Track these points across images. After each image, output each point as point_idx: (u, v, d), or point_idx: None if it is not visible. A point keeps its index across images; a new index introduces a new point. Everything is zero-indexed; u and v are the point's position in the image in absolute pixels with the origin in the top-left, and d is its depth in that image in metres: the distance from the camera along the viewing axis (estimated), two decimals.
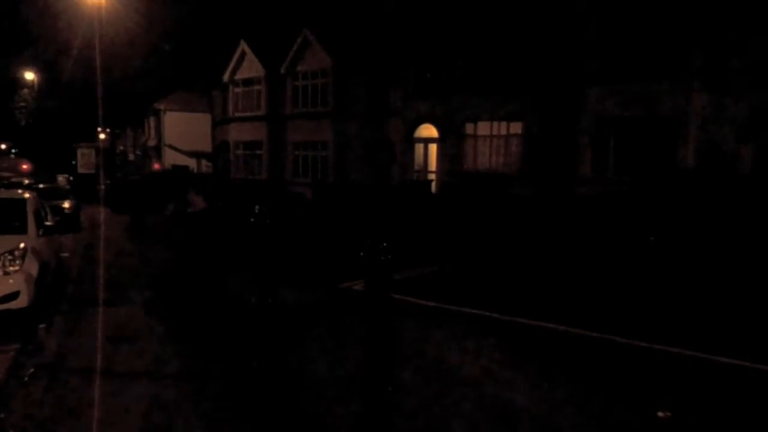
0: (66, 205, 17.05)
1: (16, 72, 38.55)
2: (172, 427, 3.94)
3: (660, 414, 4.11)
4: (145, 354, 5.39)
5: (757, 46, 12.27)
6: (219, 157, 29.28)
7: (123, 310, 6.98)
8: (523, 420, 4.04)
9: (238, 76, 26.24)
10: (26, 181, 25.21)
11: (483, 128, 17.81)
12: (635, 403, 4.35)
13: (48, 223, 7.76)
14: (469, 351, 5.50)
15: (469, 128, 18.11)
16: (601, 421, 4.06)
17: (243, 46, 25.40)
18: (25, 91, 42.36)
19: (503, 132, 17.37)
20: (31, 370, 4.91)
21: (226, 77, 26.71)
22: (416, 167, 20.13)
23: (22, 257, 6.24)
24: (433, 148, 19.56)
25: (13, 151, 48.49)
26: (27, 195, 7.95)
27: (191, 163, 33.59)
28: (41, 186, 20.40)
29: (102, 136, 38.21)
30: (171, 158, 35.04)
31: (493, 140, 17.66)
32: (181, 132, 35.60)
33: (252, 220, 5.45)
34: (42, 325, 6.23)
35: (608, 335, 5.90)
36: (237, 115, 26.54)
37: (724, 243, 9.67)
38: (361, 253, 3.35)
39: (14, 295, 6.03)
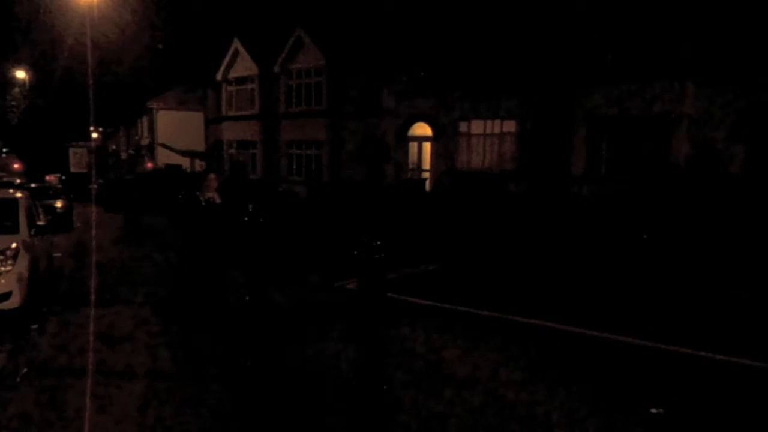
0: (58, 204, 16.96)
1: (7, 70, 38.25)
2: (166, 426, 3.93)
3: (653, 410, 4.14)
4: (137, 353, 5.37)
5: (749, 46, 12.35)
6: (213, 156, 29.18)
7: (116, 310, 6.95)
8: (516, 416, 4.06)
9: (232, 75, 26.15)
10: (18, 181, 25.03)
11: (477, 126, 17.85)
12: (628, 399, 4.37)
13: (40, 223, 7.71)
14: (464, 349, 5.51)
15: (462, 127, 18.14)
16: (595, 416, 4.08)
17: (236, 44, 25.32)
18: (17, 89, 42.02)
19: (497, 130, 17.41)
20: (24, 370, 4.89)
21: (219, 76, 26.62)
22: (410, 166, 20.14)
23: (14, 257, 6.20)
24: (427, 146, 19.58)
25: (5, 150, 48.14)
26: (19, 194, 7.90)
27: (185, 162, 33.45)
28: (33, 185, 20.27)
29: (94, 135, 38.02)
30: (164, 157, 34.88)
31: (487, 139, 17.70)
32: (175, 131, 35.45)
33: (246, 219, 5.44)
34: (34, 326, 6.20)
35: (602, 332, 5.93)
36: (230, 113, 26.45)
37: (715, 241, 9.74)
38: (355, 252, 3.35)
39: (6, 296, 6.00)
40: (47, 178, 31.37)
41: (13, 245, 6.33)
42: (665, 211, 11.26)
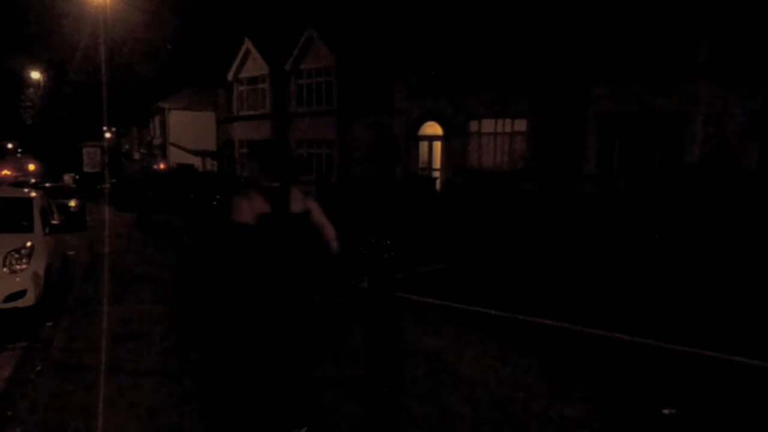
0: (72, 203, 17.17)
1: (22, 71, 38.75)
2: (180, 424, 3.96)
3: (665, 411, 4.11)
4: (151, 351, 5.41)
5: (762, 41, 12.19)
6: (224, 156, 29.35)
7: (129, 308, 7.02)
8: (527, 417, 4.04)
9: (243, 75, 26.27)
10: (32, 180, 25.35)
11: (487, 125, 17.79)
12: (641, 400, 4.34)
13: (54, 222, 7.80)
14: (474, 349, 5.50)
15: (473, 126, 18.09)
16: (607, 417, 4.06)
17: (247, 44, 25.44)
18: (31, 90, 42.57)
19: (507, 129, 17.34)
20: (38, 368, 4.95)
21: (230, 76, 26.76)
22: (421, 165, 20.12)
23: (29, 256, 6.28)
24: (437, 145, 19.54)
25: (19, 150, 48.73)
26: (33, 194, 8.00)
27: (196, 161, 33.69)
28: (47, 185, 20.54)
29: (107, 135, 38.35)
30: (176, 157, 35.16)
31: (498, 138, 17.64)
32: (186, 130, 35.71)
33: None
34: (49, 323, 6.27)
35: (613, 333, 5.89)
36: (241, 113, 26.59)
37: (729, 241, 9.63)
38: (365, 251, 3.36)
39: (21, 294, 6.07)
40: (64, 177, 31.73)
41: (28, 244, 6.41)
42: (678, 210, 11.15)
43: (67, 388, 4.51)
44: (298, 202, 3.12)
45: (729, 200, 10.87)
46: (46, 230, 7.17)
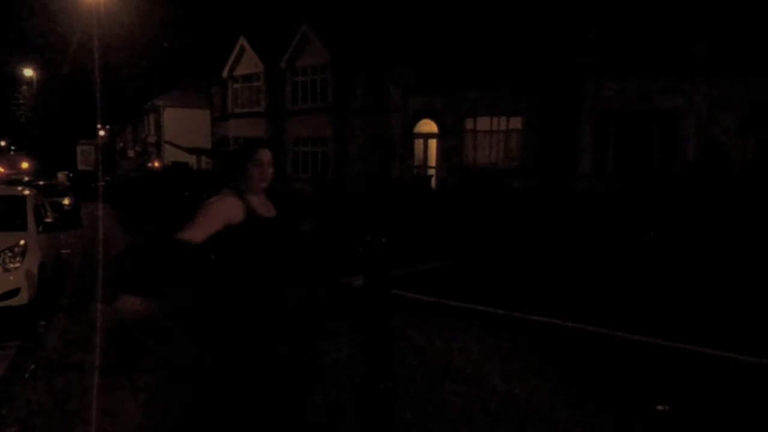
0: (66, 201, 17.09)
1: (15, 69, 38.50)
2: (173, 424, 3.95)
3: (659, 407, 4.12)
4: (146, 350, 5.39)
5: (758, 39, 12.23)
6: (219, 154, 29.27)
7: (123, 307, 6.97)
8: (523, 414, 4.05)
9: (238, 72, 26.19)
10: (26, 178, 25.25)
11: (483, 123, 17.81)
12: (635, 396, 4.35)
13: (48, 220, 7.75)
14: (471, 346, 5.50)
15: (468, 123, 18.10)
16: (601, 414, 4.07)
17: (242, 41, 25.36)
18: (25, 87, 42.32)
19: (503, 127, 17.36)
20: (32, 367, 4.92)
21: (225, 73, 26.67)
22: (416, 162, 20.12)
23: (22, 254, 6.24)
24: (432, 143, 19.55)
25: (13, 148, 48.46)
26: (27, 192, 7.95)
27: (191, 159, 33.59)
28: (41, 183, 20.44)
29: (101, 132, 38.19)
30: (171, 155, 35.04)
31: (493, 135, 17.65)
32: (181, 128, 35.58)
33: None
34: (42, 322, 6.24)
35: (609, 329, 5.91)
36: (236, 111, 26.51)
37: (724, 238, 9.68)
38: (360, 249, 3.34)
39: (14, 292, 6.04)
40: (58, 175, 31.56)
41: (22, 242, 6.37)
42: (673, 208, 11.20)
43: (61, 387, 4.49)
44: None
45: (723, 198, 10.92)
46: (40, 228, 7.13)
